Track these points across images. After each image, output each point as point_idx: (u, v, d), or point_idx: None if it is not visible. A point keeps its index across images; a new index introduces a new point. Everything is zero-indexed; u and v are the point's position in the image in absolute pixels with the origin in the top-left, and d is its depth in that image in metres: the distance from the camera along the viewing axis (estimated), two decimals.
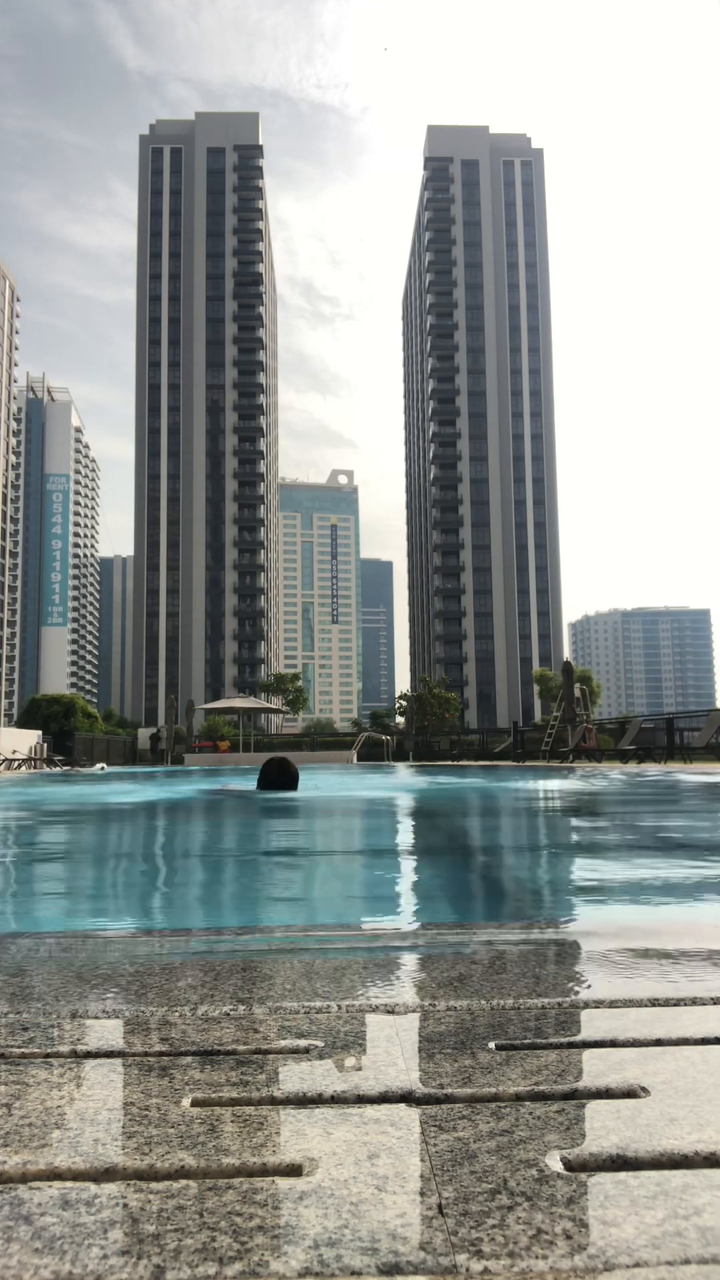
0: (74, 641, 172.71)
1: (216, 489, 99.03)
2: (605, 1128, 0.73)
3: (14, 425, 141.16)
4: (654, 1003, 0.94)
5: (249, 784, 10.50)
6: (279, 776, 8.64)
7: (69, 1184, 0.66)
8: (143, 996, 1.06)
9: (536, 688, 77.66)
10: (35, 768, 25.44)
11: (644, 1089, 0.77)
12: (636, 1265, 0.54)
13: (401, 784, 10.34)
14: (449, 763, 26.07)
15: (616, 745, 20.00)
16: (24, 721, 53.62)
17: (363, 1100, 0.76)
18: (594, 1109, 0.75)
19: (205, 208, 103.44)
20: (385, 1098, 0.76)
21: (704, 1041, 0.85)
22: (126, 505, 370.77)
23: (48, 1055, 0.89)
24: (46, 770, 23.92)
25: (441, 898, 2.55)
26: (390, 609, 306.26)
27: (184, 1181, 0.66)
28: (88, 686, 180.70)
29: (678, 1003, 0.94)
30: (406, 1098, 0.76)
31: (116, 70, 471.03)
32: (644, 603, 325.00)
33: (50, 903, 2.59)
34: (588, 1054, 0.84)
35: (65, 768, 25.09)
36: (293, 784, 8.64)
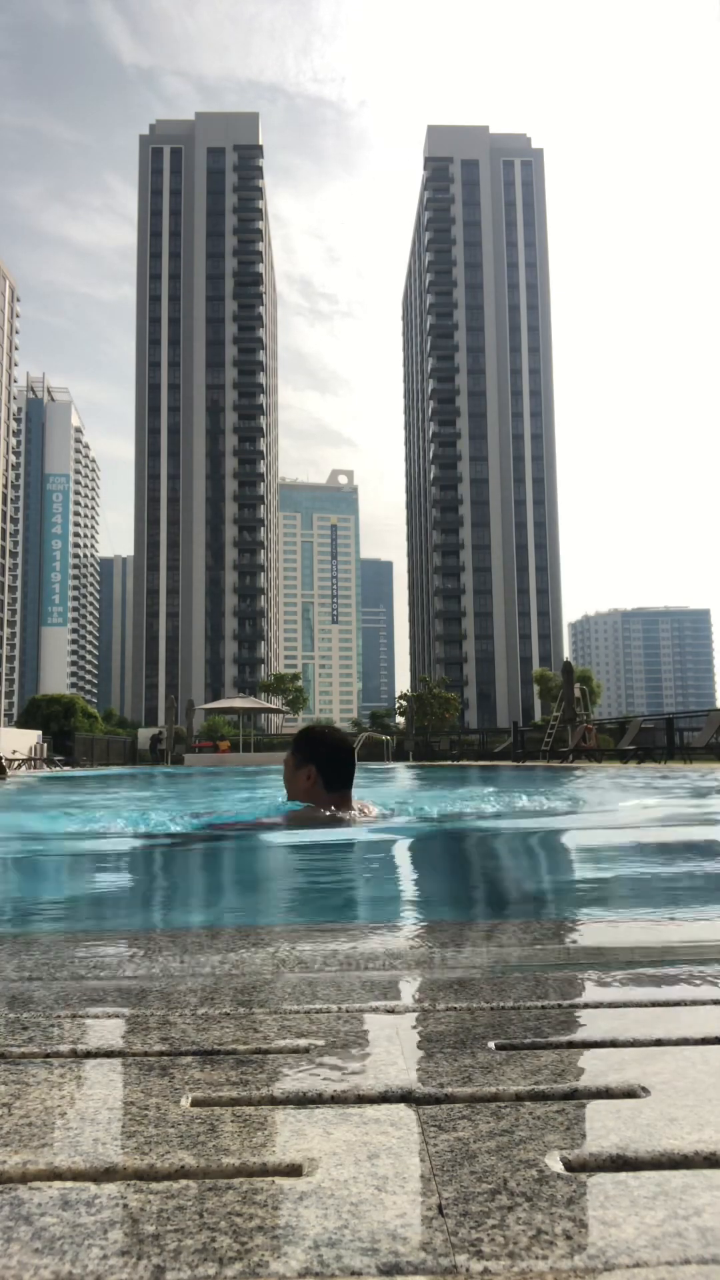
0: (74, 641, 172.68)
1: (216, 489, 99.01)
2: (605, 1128, 0.72)
3: (14, 425, 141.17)
4: (654, 1003, 0.94)
5: (258, 791, 7.38)
6: None
7: (69, 1184, 0.65)
8: (142, 997, 1.06)
9: (536, 688, 77.61)
10: (35, 768, 25.44)
11: (644, 1089, 0.76)
12: (636, 1265, 0.53)
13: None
14: (450, 763, 26.07)
15: (617, 745, 20.01)
16: (24, 721, 53.62)
17: (363, 1100, 0.76)
18: (594, 1109, 0.75)
19: (205, 208, 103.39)
20: (385, 1097, 0.75)
21: (704, 1041, 0.84)
22: (126, 505, 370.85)
23: (48, 1055, 0.89)
24: (47, 770, 23.92)
25: (447, 898, 2.55)
26: (390, 609, 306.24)
27: (184, 1181, 0.65)
28: (88, 686, 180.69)
29: (678, 1003, 0.94)
30: (406, 1098, 0.76)
31: (112, 65, 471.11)
32: (644, 603, 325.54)
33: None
34: (588, 1054, 0.84)
35: None
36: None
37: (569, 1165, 0.67)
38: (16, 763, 24.27)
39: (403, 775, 13.96)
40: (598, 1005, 0.94)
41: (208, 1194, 0.63)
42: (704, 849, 3.60)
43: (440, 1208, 0.60)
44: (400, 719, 67.59)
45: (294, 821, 3.68)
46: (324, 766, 3.75)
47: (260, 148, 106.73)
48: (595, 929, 1.51)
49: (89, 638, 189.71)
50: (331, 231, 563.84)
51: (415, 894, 2.50)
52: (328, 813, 3.70)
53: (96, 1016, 0.99)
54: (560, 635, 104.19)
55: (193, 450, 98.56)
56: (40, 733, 33.64)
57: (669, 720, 18.56)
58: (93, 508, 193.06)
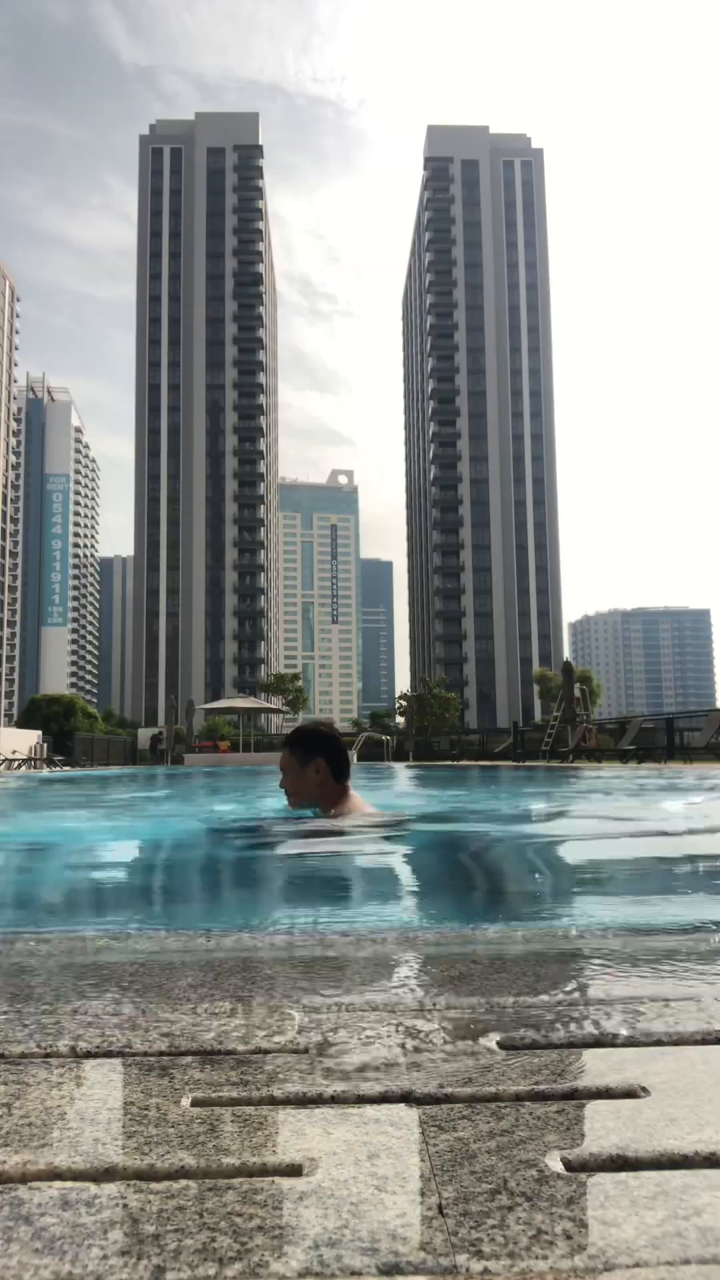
0: (74, 641, 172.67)
1: (216, 489, 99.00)
2: (605, 1128, 0.72)
3: (14, 425, 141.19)
4: (655, 1001, 0.94)
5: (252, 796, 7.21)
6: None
7: (69, 1184, 0.65)
8: (143, 996, 1.06)
9: (536, 688, 77.63)
10: (35, 768, 25.44)
11: (644, 1089, 0.76)
12: (636, 1265, 0.53)
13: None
14: (449, 763, 26.07)
15: (616, 745, 20.00)
16: (24, 722, 53.65)
17: (363, 1100, 0.76)
18: (594, 1109, 0.75)
19: (205, 208, 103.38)
20: (385, 1098, 0.75)
21: (704, 1041, 0.84)
22: (126, 505, 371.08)
23: (47, 1055, 0.88)
24: (46, 771, 23.91)
25: (445, 898, 2.54)
26: (390, 609, 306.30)
27: (184, 1181, 0.65)
28: (88, 686, 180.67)
29: (678, 1002, 0.94)
30: (406, 1098, 0.76)
31: (111, 64, 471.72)
32: (644, 603, 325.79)
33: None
34: (588, 1054, 0.84)
35: None
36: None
37: (569, 1165, 0.67)
38: (17, 763, 24.27)
39: (403, 775, 13.96)
40: (598, 1004, 0.94)
41: (208, 1194, 0.63)
42: (703, 850, 3.60)
43: (440, 1208, 0.60)
44: (400, 719, 67.61)
45: (324, 824, 3.58)
46: (331, 758, 3.72)
47: (260, 148, 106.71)
48: (596, 929, 1.50)
49: (89, 638, 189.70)
50: (331, 231, 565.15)
51: (427, 894, 2.50)
52: (343, 807, 3.63)
53: (97, 1015, 0.99)
54: (560, 635, 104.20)
55: (193, 450, 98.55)
56: (40, 733, 33.65)
57: (669, 720, 18.55)
58: (93, 508, 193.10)
